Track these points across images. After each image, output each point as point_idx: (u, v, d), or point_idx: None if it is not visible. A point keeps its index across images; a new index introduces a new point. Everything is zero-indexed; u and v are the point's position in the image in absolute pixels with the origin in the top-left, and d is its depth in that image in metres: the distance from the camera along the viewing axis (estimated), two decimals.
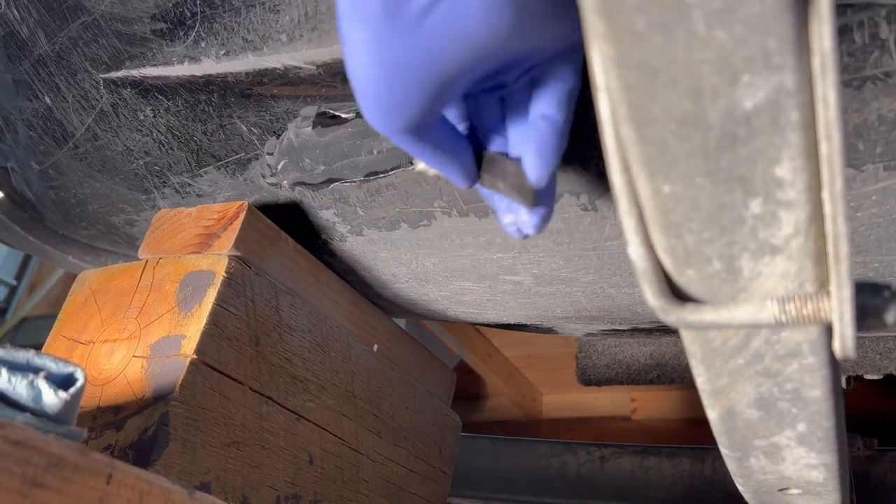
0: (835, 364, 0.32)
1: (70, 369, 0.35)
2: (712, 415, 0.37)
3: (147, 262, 0.57)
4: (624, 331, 0.74)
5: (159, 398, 0.49)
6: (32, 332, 2.52)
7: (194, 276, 0.53)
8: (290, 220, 0.60)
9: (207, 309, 0.51)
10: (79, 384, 0.34)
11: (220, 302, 0.52)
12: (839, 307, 0.25)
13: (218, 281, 0.52)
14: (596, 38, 0.23)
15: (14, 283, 2.88)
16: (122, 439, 0.48)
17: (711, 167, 0.25)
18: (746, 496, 0.48)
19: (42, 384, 0.33)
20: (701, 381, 0.34)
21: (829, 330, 0.30)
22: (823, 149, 0.23)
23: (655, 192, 0.26)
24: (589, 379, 0.80)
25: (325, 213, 0.59)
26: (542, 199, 0.40)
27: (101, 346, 0.54)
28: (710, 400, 0.35)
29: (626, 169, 0.27)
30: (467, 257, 0.58)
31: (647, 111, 0.24)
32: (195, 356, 0.49)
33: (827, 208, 0.24)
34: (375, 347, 0.67)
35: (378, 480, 0.65)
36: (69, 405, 0.34)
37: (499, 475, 1.09)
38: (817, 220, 0.26)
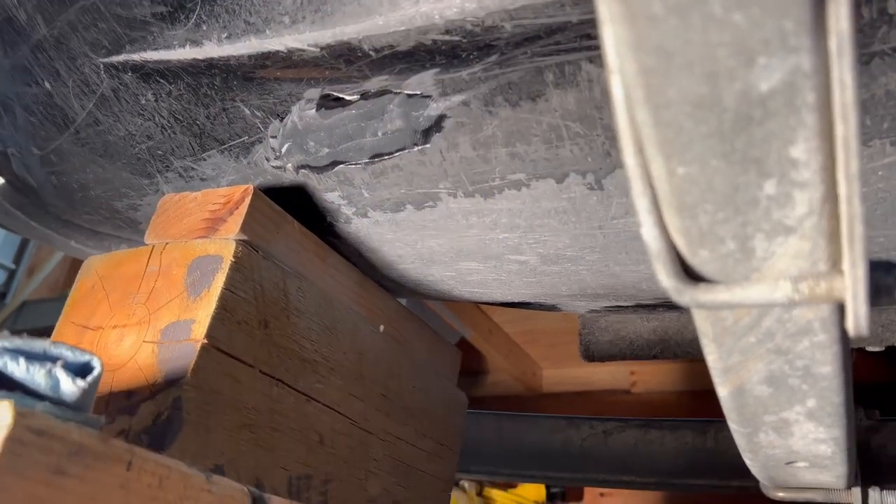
0: (846, 340, 0.33)
1: (86, 357, 0.35)
2: (722, 392, 0.37)
3: (154, 247, 0.57)
4: (627, 307, 0.74)
5: (171, 383, 0.49)
6: (33, 316, 2.52)
7: (202, 260, 0.54)
8: (295, 202, 0.60)
9: (216, 293, 0.51)
10: (96, 372, 0.35)
11: (229, 286, 0.52)
12: (853, 286, 0.25)
13: (226, 265, 0.52)
14: (611, 21, 0.23)
15: (13, 266, 2.88)
16: (136, 424, 0.48)
17: (726, 149, 0.25)
18: (754, 470, 0.49)
19: (60, 373, 0.34)
20: (712, 358, 0.34)
21: (840, 307, 0.30)
22: (839, 130, 0.23)
23: (670, 174, 0.26)
24: (593, 355, 0.81)
25: (330, 195, 0.59)
26: None
27: (111, 331, 0.55)
28: (721, 377, 0.36)
29: (640, 151, 0.27)
30: (473, 238, 0.58)
31: (663, 94, 0.24)
32: (206, 340, 0.50)
33: (842, 189, 0.24)
34: (382, 328, 0.68)
35: (387, 459, 0.66)
36: (87, 393, 0.35)
37: (503, 451, 1.10)
38: (831, 200, 0.26)
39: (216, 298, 0.51)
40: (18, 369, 0.33)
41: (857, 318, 0.26)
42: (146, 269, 0.56)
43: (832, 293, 0.27)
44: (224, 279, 0.52)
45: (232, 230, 0.54)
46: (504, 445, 1.10)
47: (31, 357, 0.34)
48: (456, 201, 0.55)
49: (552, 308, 0.77)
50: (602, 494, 2.14)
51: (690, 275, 0.30)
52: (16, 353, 0.33)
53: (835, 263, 0.28)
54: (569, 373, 2.72)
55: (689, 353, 0.76)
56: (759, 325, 0.32)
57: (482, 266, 0.62)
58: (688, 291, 0.29)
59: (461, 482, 2.01)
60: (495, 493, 2.13)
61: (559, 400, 2.67)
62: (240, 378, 0.52)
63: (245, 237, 0.54)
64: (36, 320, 2.47)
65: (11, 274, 2.89)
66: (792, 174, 0.25)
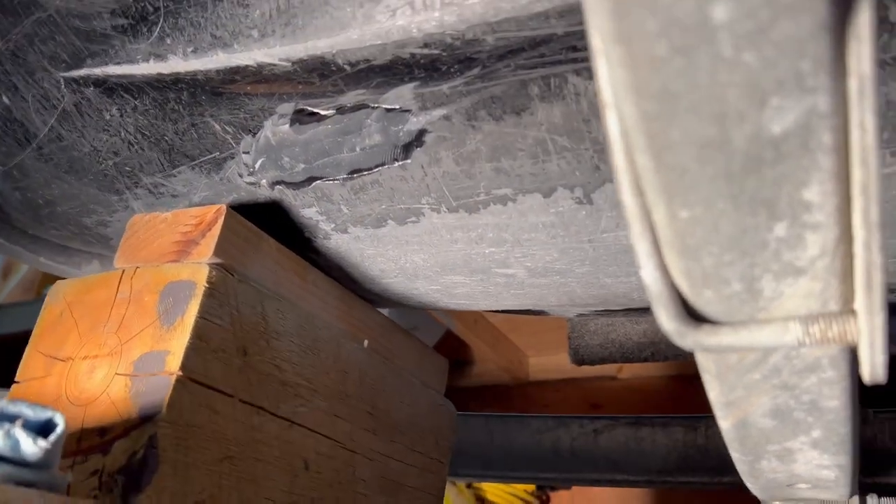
0: (854, 375, 0.31)
1: (48, 414, 0.32)
2: (724, 424, 0.36)
3: (124, 271, 0.54)
4: (617, 311, 0.73)
5: (146, 419, 0.47)
6: (9, 321, 2.46)
7: (174, 286, 0.51)
8: (271, 219, 0.57)
9: (190, 322, 0.49)
10: (59, 430, 0.32)
11: (204, 314, 0.49)
12: (870, 335, 0.24)
13: (199, 292, 0.50)
14: (609, 65, 0.20)
15: None
16: (109, 464, 0.46)
17: (734, 191, 0.23)
18: (755, 491, 0.48)
19: (19, 433, 0.31)
20: (714, 394, 0.33)
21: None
22: (858, 174, 0.21)
23: (672, 217, 0.24)
24: (582, 359, 0.79)
25: (308, 211, 0.56)
26: None
27: (81, 362, 0.52)
28: (723, 411, 0.34)
29: (639, 191, 0.25)
30: (458, 252, 0.56)
31: (666, 137, 0.22)
32: (181, 373, 0.47)
33: (860, 236, 0.22)
34: (366, 343, 0.66)
35: (375, 478, 0.64)
36: (50, 452, 0.32)
37: (493, 452, 1.09)
38: (846, 241, 0.24)
39: (190, 328, 0.48)
40: None
41: (874, 367, 0.24)
42: (116, 295, 0.53)
43: (845, 337, 0.25)
44: (198, 307, 0.49)
45: (205, 254, 0.51)
46: (493, 447, 1.08)
47: None
48: (440, 216, 0.53)
49: (540, 313, 0.75)
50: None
51: (693, 314, 0.28)
52: None
53: (846, 302, 0.26)
54: (555, 360, 2.72)
55: (680, 356, 0.75)
56: (765, 363, 0.30)
57: (468, 280, 0.60)
58: (691, 334, 0.27)
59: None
60: (485, 485, 2.13)
61: (546, 387, 2.67)
62: (218, 409, 0.50)
63: (219, 260, 0.52)
64: (12, 325, 2.42)
65: None
66: (804, 217, 0.23)
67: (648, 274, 0.27)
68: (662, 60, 0.20)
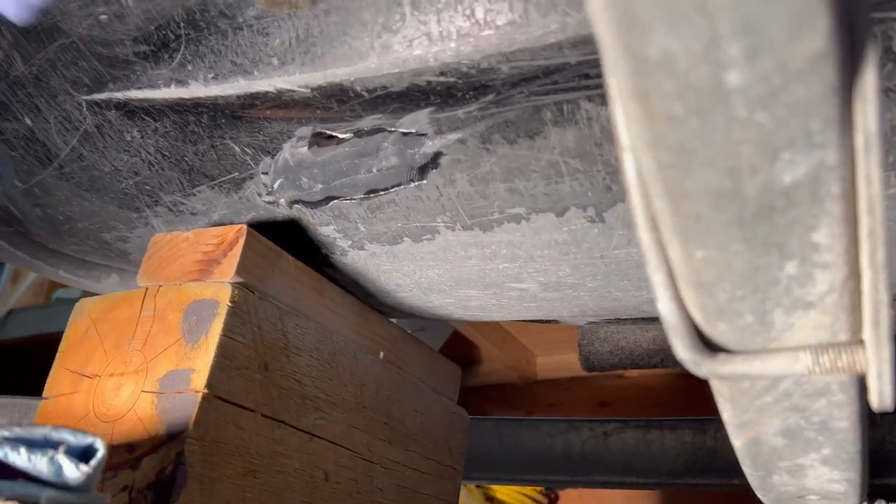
0: (863, 397, 0.32)
1: (89, 440, 0.34)
2: (736, 443, 0.37)
3: (147, 290, 0.56)
4: (627, 319, 0.74)
5: (173, 436, 0.48)
6: (20, 325, 2.48)
7: (197, 304, 0.52)
8: (290, 237, 0.59)
9: (214, 340, 0.50)
10: (99, 455, 0.34)
11: (227, 332, 0.51)
12: (878, 366, 0.25)
13: (223, 311, 0.51)
14: (627, 121, 0.22)
15: None
16: (139, 480, 0.48)
17: (747, 235, 0.24)
18: (766, 502, 0.49)
19: (62, 459, 0.33)
20: (727, 416, 0.34)
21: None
22: (865, 221, 0.22)
23: (688, 256, 0.26)
24: (593, 365, 0.81)
25: (325, 229, 0.58)
26: None
27: (108, 379, 0.53)
28: (736, 431, 0.35)
29: (655, 229, 0.27)
30: (472, 267, 0.57)
31: (682, 186, 0.23)
32: (206, 390, 0.49)
33: (867, 277, 0.23)
34: (382, 355, 0.67)
35: (392, 487, 0.66)
36: (91, 477, 0.34)
37: (504, 456, 1.10)
38: (853, 278, 0.25)
39: (215, 346, 0.50)
40: (20, 458, 0.32)
41: (883, 397, 0.25)
42: (140, 313, 0.55)
43: (854, 367, 0.27)
44: (222, 325, 0.51)
45: (227, 273, 0.53)
46: (504, 451, 1.10)
47: (33, 445, 0.33)
48: (454, 234, 0.54)
49: (551, 322, 0.76)
50: None
51: (707, 343, 0.30)
52: (16, 442, 0.33)
53: (854, 333, 0.28)
54: (562, 359, 2.73)
55: None
56: (776, 388, 0.31)
57: (482, 293, 0.61)
58: (706, 364, 0.29)
59: None
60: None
61: (554, 386, 2.68)
62: (242, 424, 0.51)
63: (241, 279, 0.53)
64: (23, 329, 2.43)
65: None
66: (814, 257, 0.25)
67: (664, 306, 0.28)
68: (678, 119, 0.21)
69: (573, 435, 1.07)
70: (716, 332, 0.29)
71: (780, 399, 0.32)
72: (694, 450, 1.01)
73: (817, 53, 0.19)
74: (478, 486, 2.11)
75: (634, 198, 0.26)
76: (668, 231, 0.25)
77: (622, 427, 1.06)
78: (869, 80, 0.20)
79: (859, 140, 0.21)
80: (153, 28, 0.50)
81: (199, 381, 0.49)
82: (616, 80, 0.20)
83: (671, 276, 0.28)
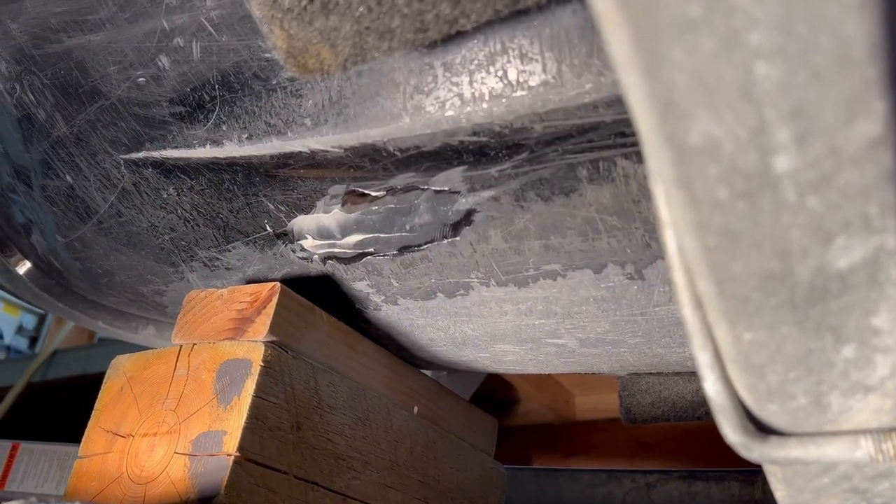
0: None
1: None
2: None
3: (181, 348, 0.56)
4: (668, 373, 0.71)
5: (205, 499, 0.47)
6: (64, 366, 2.52)
7: (231, 364, 0.52)
8: (323, 292, 0.58)
9: (247, 402, 0.50)
10: None
11: (260, 393, 0.50)
12: None
13: (255, 371, 0.51)
14: (669, 206, 0.21)
15: (42, 311, 2.89)
16: None
17: (799, 318, 0.23)
18: None
19: None
20: (780, 495, 0.32)
21: None
22: None
23: (736, 338, 0.24)
24: (635, 418, 0.78)
25: (359, 284, 0.57)
26: None
27: (141, 440, 0.53)
28: None
29: (699, 307, 0.25)
30: (507, 323, 0.56)
31: (728, 269, 0.22)
32: (238, 454, 0.48)
33: None
34: (416, 410, 0.66)
35: None
36: None
37: None
38: None
39: (247, 407, 0.49)
40: None
41: None
42: (175, 371, 0.55)
43: None
44: (254, 386, 0.50)
45: (260, 332, 0.52)
46: (544, 502, 1.06)
47: None
48: (489, 290, 0.53)
49: (590, 373, 0.74)
50: None
51: (757, 424, 0.28)
52: None
53: None
54: (601, 399, 2.67)
55: None
56: (834, 470, 0.29)
57: (518, 349, 0.59)
58: (757, 447, 0.27)
59: None
60: None
61: (593, 427, 2.62)
62: (274, 487, 0.50)
63: (274, 338, 0.53)
64: (67, 369, 2.48)
65: (41, 318, 2.91)
66: (874, 341, 0.23)
67: (710, 386, 0.27)
68: (724, 203, 0.20)
69: (615, 486, 1.04)
70: (767, 413, 0.27)
71: (838, 481, 0.30)
72: (742, 503, 0.97)
73: (873, 139, 0.17)
74: None
75: (677, 274, 0.25)
76: (714, 312, 0.24)
77: (665, 478, 1.02)
78: None
79: None
80: (189, 90, 0.51)
81: (231, 443, 0.48)
82: (658, 169, 0.19)
83: (718, 355, 0.26)
